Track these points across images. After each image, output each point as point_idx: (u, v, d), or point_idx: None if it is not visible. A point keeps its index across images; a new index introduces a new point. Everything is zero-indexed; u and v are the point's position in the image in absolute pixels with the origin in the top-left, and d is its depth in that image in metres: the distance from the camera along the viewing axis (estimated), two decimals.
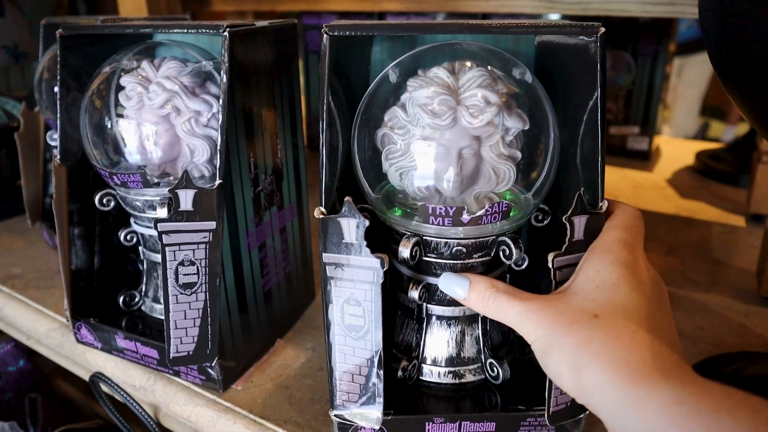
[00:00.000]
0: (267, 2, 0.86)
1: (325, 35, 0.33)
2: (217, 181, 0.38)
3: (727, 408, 0.26)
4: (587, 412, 0.36)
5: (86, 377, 0.53)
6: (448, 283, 0.35)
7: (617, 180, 0.95)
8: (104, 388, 0.50)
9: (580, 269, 0.33)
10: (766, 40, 0.31)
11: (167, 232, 0.38)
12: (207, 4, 0.89)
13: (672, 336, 0.31)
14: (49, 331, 0.54)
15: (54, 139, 0.56)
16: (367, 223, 0.32)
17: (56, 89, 0.56)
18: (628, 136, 1.03)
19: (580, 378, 0.30)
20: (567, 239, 0.32)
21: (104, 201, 0.45)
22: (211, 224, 0.38)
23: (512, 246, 0.35)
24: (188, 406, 0.44)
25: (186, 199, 0.38)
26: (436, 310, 0.38)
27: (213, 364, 0.41)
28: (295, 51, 0.47)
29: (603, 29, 0.32)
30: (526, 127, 0.35)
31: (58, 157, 0.46)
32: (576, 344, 0.30)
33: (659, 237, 0.72)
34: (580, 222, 0.32)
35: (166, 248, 0.38)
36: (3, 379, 0.67)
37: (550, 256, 0.32)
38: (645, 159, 1.02)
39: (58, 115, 0.45)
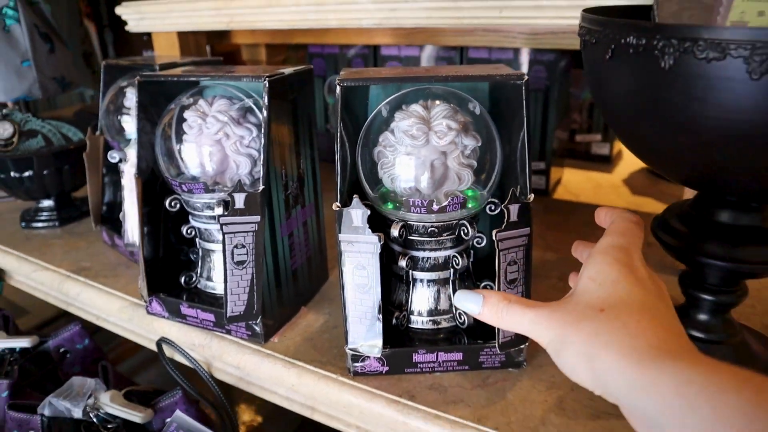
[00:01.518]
0: (279, 36, 1.01)
1: (338, 86, 0.48)
2: (261, 187, 0.53)
3: (733, 386, 0.26)
4: (528, 342, 0.51)
5: (150, 345, 0.68)
6: (462, 300, 0.39)
7: (581, 181, 1.10)
8: (166, 350, 0.65)
9: (582, 274, 0.36)
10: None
11: (226, 224, 0.53)
12: (227, 38, 1.05)
13: (676, 325, 0.33)
14: (121, 309, 0.69)
15: (113, 157, 0.71)
16: (369, 212, 0.47)
17: (121, 120, 0.72)
18: (591, 142, 1.18)
19: (593, 369, 0.31)
20: (506, 220, 0.47)
21: (172, 204, 0.60)
22: (257, 218, 0.53)
23: (469, 227, 0.50)
24: (238, 355, 0.59)
25: (239, 200, 0.53)
26: (419, 275, 0.53)
27: (258, 322, 0.56)
28: (311, 85, 0.62)
29: (526, 78, 0.47)
30: (479, 144, 0.50)
31: (136, 172, 0.61)
32: (586, 338, 0.32)
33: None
34: (514, 209, 0.47)
35: (225, 236, 0.53)
36: (72, 355, 0.82)
37: (494, 232, 0.47)
38: (607, 162, 1.18)
39: (138, 142, 0.60)
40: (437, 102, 0.50)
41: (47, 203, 0.91)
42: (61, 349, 0.81)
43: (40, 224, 0.91)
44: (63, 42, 1.05)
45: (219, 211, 0.55)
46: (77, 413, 0.64)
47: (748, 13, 0.40)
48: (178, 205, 0.60)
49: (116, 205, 0.83)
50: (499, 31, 0.83)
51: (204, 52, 1.00)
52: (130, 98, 0.73)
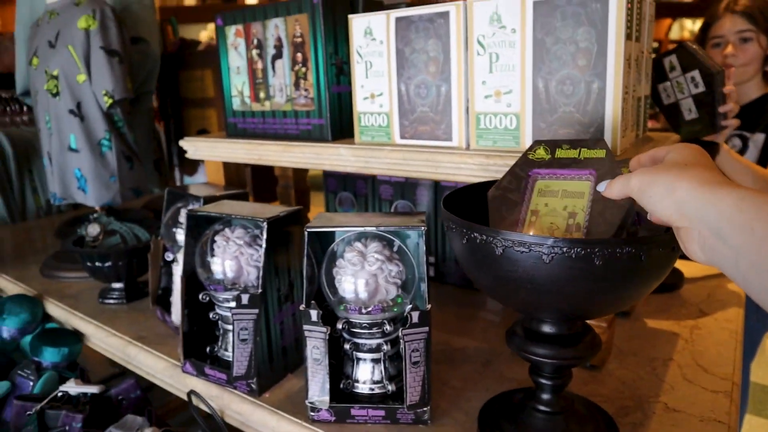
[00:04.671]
0: None
1: (306, 233, 0.75)
2: (259, 290, 0.80)
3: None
4: (429, 406, 0.75)
5: (182, 395, 0.94)
6: (600, 188, 0.56)
7: None
8: (194, 399, 0.91)
9: (669, 153, 0.51)
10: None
11: (235, 314, 0.80)
12: None
13: (730, 179, 0.46)
14: (165, 368, 0.96)
15: (169, 257, 1.01)
16: (321, 312, 0.74)
17: (176, 233, 1.01)
18: None
19: (674, 196, 0.45)
20: (409, 322, 0.72)
21: (203, 297, 0.88)
22: (256, 311, 0.80)
23: (389, 325, 0.76)
24: (240, 404, 0.84)
25: (245, 298, 0.80)
26: (360, 354, 0.79)
27: (254, 381, 0.82)
28: (301, 219, 0.90)
29: (425, 228, 0.73)
30: (400, 269, 0.76)
31: (182, 274, 0.89)
32: (673, 177, 0.46)
33: None
34: (416, 314, 0.73)
35: (234, 321, 0.80)
36: (127, 402, 1.09)
37: (400, 330, 0.72)
38: None
39: (184, 253, 0.89)
40: (372, 241, 0.77)
41: (118, 285, 1.22)
42: (120, 397, 1.09)
43: (111, 301, 1.21)
44: (139, 159, 1.38)
45: (232, 304, 0.83)
46: None
47: (540, 205, 0.66)
48: (207, 298, 0.88)
49: (169, 291, 1.12)
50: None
51: (242, 172, 1.32)
52: (183, 216, 1.03)
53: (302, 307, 0.75)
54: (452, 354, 0.95)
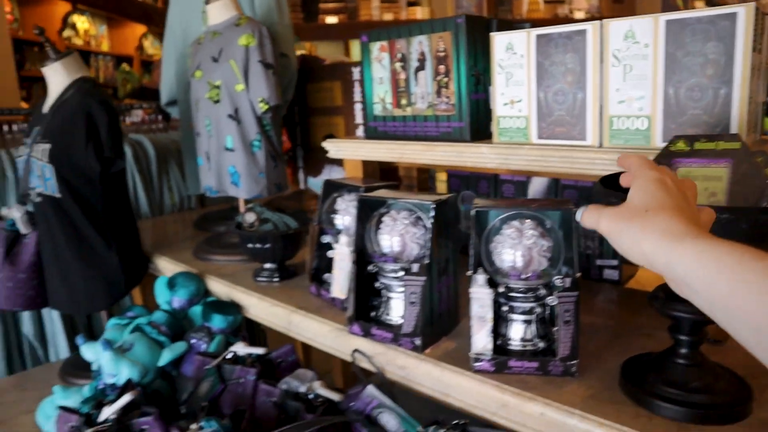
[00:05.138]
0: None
1: (474, 212, 0.91)
2: (427, 261, 0.96)
3: (729, 249, 0.43)
4: (578, 360, 0.88)
5: (343, 356, 1.11)
6: (577, 216, 0.58)
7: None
8: (357, 357, 1.07)
9: (632, 188, 0.54)
10: None
11: (407, 280, 0.96)
12: (391, 163, 1.53)
13: (696, 217, 0.49)
14: (329, 331, 1.13)
15: (324, 239, 1.18)
16: (487, 276, 0.89)
17: (334, 218, 1.18)
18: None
19: (641, 249, 0.48)
20: (563, 287, 0.86)
21: (372, 268, 1.05)
22: (424, 278, 0.96)
23: (544, 290, 0.90)
24: (405, 359, 1.00)
25: (416, 267, 0.96)
26: (514, 316, 0.93)
27: (419, 338, 0.98)
28: (455, 204, 1.05)
29: (574, 209, 0.87)
30: (551, 244, 0.90)
31: (352, 249, 1.06)
32: (637, 229, 0.49)
33: None
34: (567, 281, 0.86)
35: (406, 286, 0.96)
36: (285, 364, 1.27)
37: (555, 293, 0.86)
38: None
39: (355, 233, 1.06)
40: (527, 220, 0.91)
41: (271, 266, 1.40)
42: (278, 360, 1.26)
43: (264, 279, 1.40)
44: (281, 159, 1.58)
45: (401, 274, 0.99)
46: (302, 389, 1.08)
47: None
48: (376, 269, 1.05)
49: (320, 270, 1.29)
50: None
51: (377, 171, 1.49)
52: (339, 204, 1.20)
53: (469, 273, 0.90)
54: (582, 328, 1.08)
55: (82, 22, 5.85)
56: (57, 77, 1.54)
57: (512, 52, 1.11)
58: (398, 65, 1.31)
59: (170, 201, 2.21)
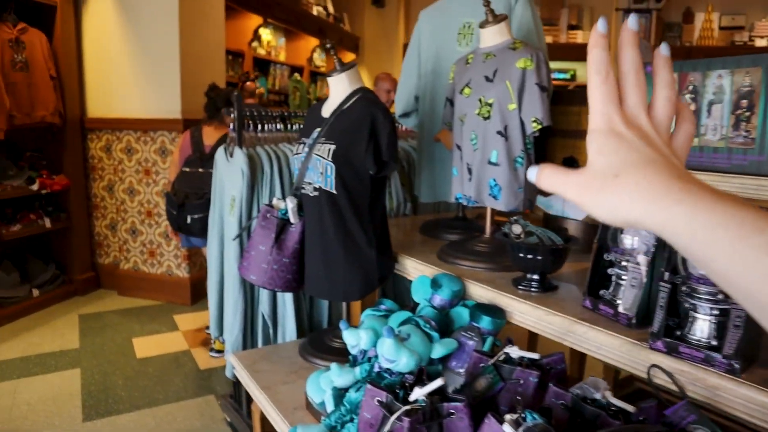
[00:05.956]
0: None
1: None
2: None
3: (731, 222, 0.39)
4: (741, 360, 0.87)
5: (635, 371, 1.15)
6: (529, 174, 0.51)
7: None
8: (654, 372, 1.12)
9: (588, 150, 0.47)
10: None
11: (732, 303, 1.00)
12: None
13: (674, 167, 0.43)
14: (620, 344, 1.18)
15: (608, 256, 1.24)
16: None
17: (626, 241, 1.24)
18: None
19: (624, 217, 0.44)
20: None
21: (684, 289, 1.09)
22: None
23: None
24: (718, 381, 1.03)
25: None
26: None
27: (737, 362, 1.01)
28: None
29: None
30: None
31: (666, 270, 1.11)
32: (613, 200, 0.44)
33: None
34: None
35: (732, 309, 1.00)
36: (555, 371, 1.34)
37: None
38: None
39: (668, 254, 1.11)
40: None
41: (534, 276, 1.48)
42: (548, 366, 1.33)
43: (524, 288, 1.48)
44: None
45: (720, 297, 1.03)
46: (597, 395, 1.14)
47: None
48: (688, 290, 1.09)
49: (595, 285, 1.35)
50: None
51: None
52: None
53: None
54: None
55: (266, 34, 6.38)
56: (340, 85, 1.74)
57: None
58: (688, 96, 1.35)
59: (389, 206, 2.37)
